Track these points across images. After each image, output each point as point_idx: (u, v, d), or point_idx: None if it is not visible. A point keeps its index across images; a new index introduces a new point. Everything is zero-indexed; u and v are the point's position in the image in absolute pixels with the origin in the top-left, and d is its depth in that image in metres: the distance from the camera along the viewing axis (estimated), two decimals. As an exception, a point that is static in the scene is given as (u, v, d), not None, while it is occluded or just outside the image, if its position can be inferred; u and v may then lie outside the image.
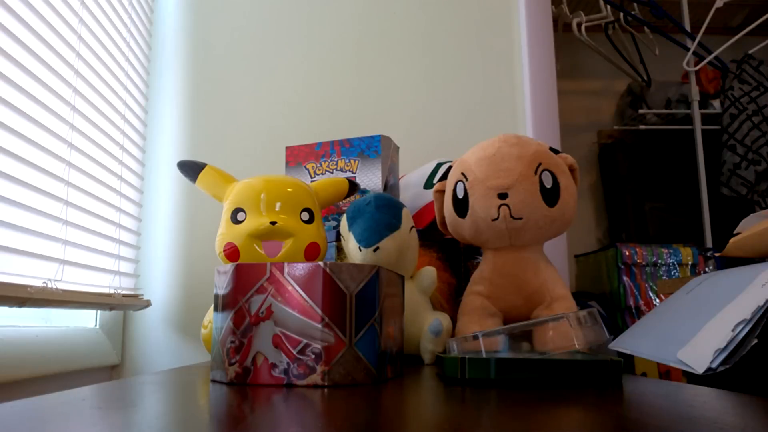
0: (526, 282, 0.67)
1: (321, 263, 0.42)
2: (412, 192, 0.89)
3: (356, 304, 0.42)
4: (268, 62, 1.20)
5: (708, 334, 0.50)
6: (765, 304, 0.47)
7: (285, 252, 0.61)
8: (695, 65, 1.83)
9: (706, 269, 1.53)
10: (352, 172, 0.80)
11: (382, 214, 0.61)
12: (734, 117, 1.83)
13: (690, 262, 1.54)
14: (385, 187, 0.79)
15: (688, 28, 1.83)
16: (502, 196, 0.63)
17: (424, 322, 0.61)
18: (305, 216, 0.63)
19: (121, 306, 0.94)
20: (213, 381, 0.44)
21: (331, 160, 0.81)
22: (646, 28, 1.87)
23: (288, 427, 0.26)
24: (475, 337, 0.48)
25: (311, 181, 0.76)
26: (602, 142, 2.16)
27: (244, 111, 1.17)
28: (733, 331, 0.47)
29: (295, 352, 0.41)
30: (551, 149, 0.68)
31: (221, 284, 0.45)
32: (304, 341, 0.41)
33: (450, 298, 0.75)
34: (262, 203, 0.62)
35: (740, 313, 0.48)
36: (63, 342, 0.85)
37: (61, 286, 0.75)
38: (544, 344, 0.59)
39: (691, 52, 1.75)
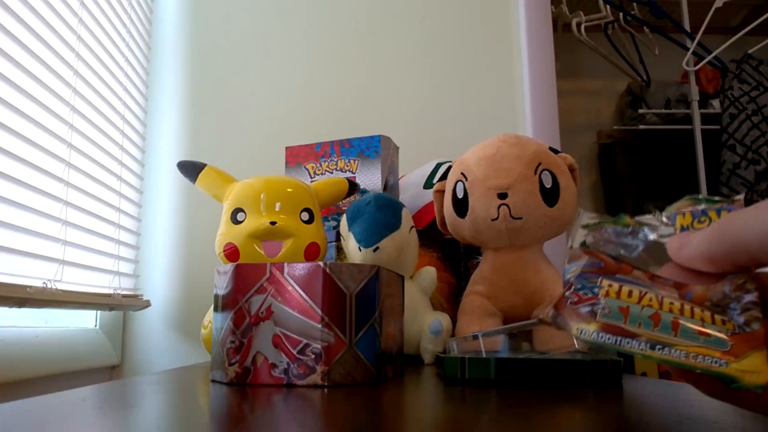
0: (526, 282, 0.67)
1: (321, 263, 0.41)
2: (412, 192, 0.89)
3: (356, 304, 0.42)
4: (267, 62, 1.20)
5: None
6: (765, 303, 0.47)
7: (285, 252, 0.61)
8: (695, 65, 1.83)
9: (706, 269, 1.53)
10: (352, 172, 0.80)
11: (382, 214, 0.61)
12: (734, 117, 1.83)
13: (690, 262, 1.54)
14: (385, 187, 0.79)
15: (687, 28, 1.83)
16: (502, 196, 0.63)
17: (424, 322, 0.61)
18: (305, 216, 0.63)
19: (121, 306, 0.94)
20: (213, 381, 0.44)
21: (330, 160, 0.81)
22: (645, 28, 1.87)
23: (288, 427, 0.26)
24: (475, 337, 0.48)
25: (311, 181, 0.76)
26: (602, 142, 2.16)
27: (244, 111, 1.17)
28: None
29: (295, 352, 0.41)
30: (551, 149, 0.68)
31: (221, 284, 0.45)
32: (304, 341, 0.40)
33: (450, 298, 0.75)
34: (262, 203, 0.62)
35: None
36: (63, 342, 0.85)
37: (60, 286, 0.75)
38: (544, 344, 0.59)
39: (690, 52, 1.75)
